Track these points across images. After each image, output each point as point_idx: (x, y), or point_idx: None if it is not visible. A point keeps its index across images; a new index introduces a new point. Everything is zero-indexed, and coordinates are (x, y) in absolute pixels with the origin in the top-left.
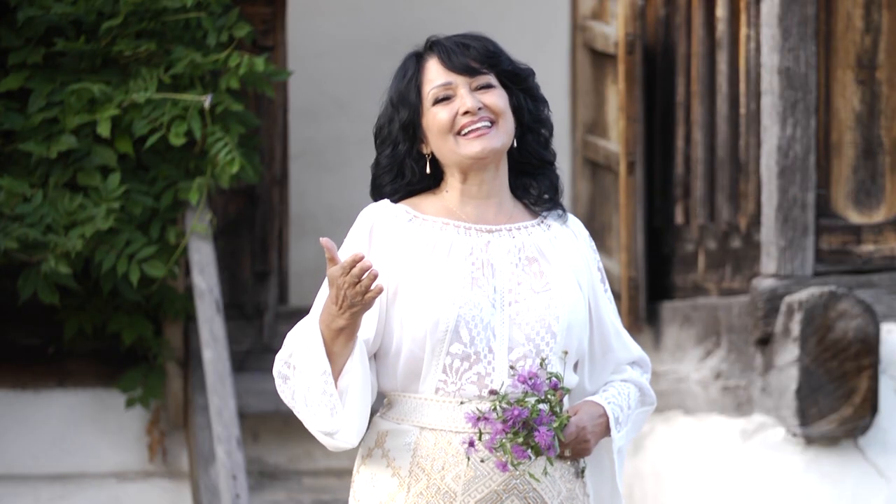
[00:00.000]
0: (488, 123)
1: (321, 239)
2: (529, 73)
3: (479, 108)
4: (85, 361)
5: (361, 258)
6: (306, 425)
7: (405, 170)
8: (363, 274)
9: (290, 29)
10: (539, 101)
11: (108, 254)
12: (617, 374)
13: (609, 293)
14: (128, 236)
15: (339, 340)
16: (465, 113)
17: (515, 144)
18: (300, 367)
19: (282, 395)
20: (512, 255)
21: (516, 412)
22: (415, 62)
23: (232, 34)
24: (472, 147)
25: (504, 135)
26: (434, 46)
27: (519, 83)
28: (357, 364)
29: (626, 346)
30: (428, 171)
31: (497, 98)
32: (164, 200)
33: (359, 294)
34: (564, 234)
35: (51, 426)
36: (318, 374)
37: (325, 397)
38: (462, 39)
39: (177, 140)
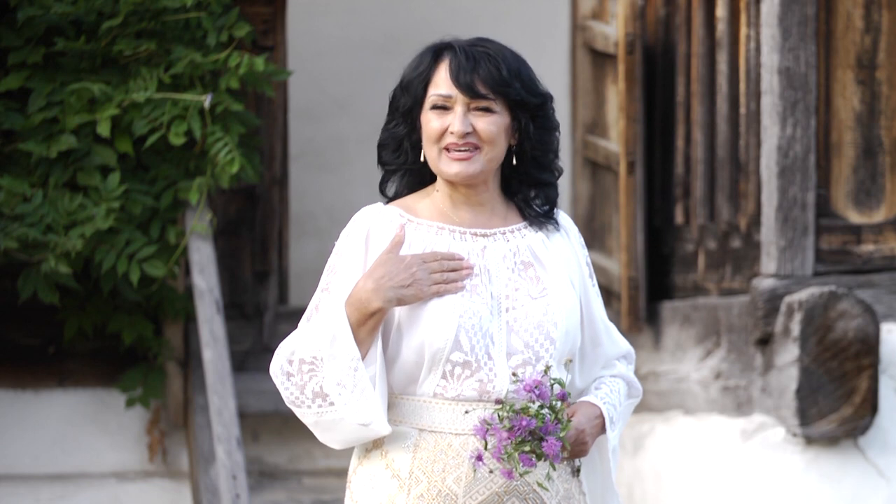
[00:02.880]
0: (471, 149)
1: (397, 232)
2: (542, 101)
3: (467, 133)
4: (85, 361)
5: (464, 259)
6: (317, 423)
7: (402, 149)
8: (453, 270)
9: (290, 29)
10: (547, 130)
11: (108, 253)
12: (607, 369)
13: (596, 287)
14: (128, 236)
15: (368, 324)
16: (453, 133)
17: (514, 161)
18: (326, 361)
19: (285, 393)
20: (507, 259)
21: (524, 422)
22: (430, 58)
23: (232, 34)
24: (450, 167)
25: (486, 162)
26: (450, 51)
27: (527, 110)
28: (379, 352)
29: (615, 340)
30: (422, 159)
31: (490, 125)
32: (164, 200)
33: (430, 282)
34: (555, 234)
35: (51, 426)
36: (347, 362)
37: (358, 389)
38: (479, 54)
39: (177, 140)
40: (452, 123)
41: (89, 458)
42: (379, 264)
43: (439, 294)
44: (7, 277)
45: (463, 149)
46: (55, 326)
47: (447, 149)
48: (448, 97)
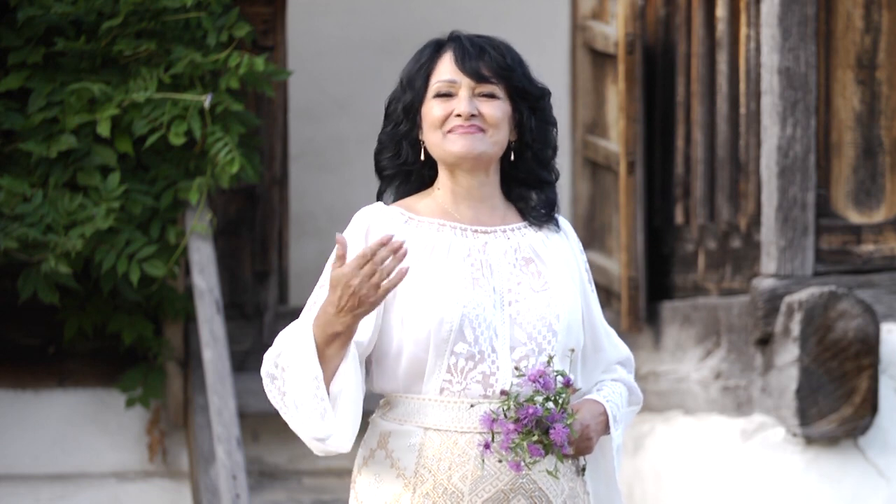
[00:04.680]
0: (476, 130)
1: (338, 234)
2: (542, 95)
3: (473, 115)
4: (85, 361)
5: (391, 237)
6: (296, 431)
7: (401, 150)
8: (386, 259)
9: (290, 29)
10: (546, 123)
11: (108, 253)
12: (608, 373)
13: (595, 293)
14: (128, 236)
15: (334, 345)
16: (458, 115)
17: (513, 157)
18: (290, 372)
19: (269, 395)
20: (509, 255)
21: (531, 410)
22: (431, 50)
23: (232, 34)
24: (455, 145)
25: (491, 144)
26: (453, 41)
27: (528, 101)
28: (349, 368)
29: (615, 345)
30: (422, 157)
31: (495, 110)
32: (164, 200)
33: (373, 287)
34: (555, 235)
35: (51, 426)
36: (309, 379)
37: (315, 401)
38: (483, 42)
39: (177, 140)
40: (458, 106)
41: (89, 458)
42: (332, 286)
43: (389, 288)
44: (7, 277)
45: (468, 129)
46: (55, 326)
47: (451, 131)
48: (452, 82)
